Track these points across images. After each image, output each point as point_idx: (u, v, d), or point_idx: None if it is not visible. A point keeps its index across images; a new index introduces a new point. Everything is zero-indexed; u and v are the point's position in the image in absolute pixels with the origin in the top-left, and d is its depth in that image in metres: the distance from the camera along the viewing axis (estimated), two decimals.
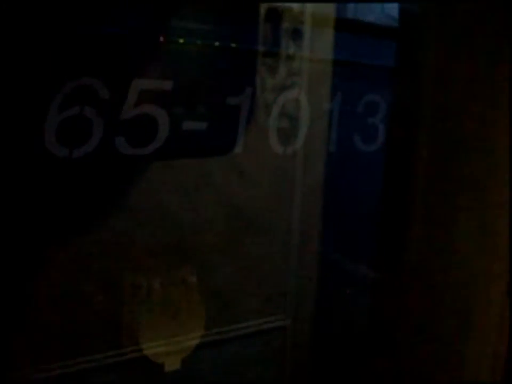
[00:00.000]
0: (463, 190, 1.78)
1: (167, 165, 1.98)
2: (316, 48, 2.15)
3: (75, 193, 1.90)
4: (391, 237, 2.13)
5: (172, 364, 2.03)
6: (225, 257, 2.08)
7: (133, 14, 1.90)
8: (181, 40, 1.94)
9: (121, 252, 1.97)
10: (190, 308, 2.02)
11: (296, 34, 2.08)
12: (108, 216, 1.95)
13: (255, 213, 2.11)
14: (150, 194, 1.98)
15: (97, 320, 1.95)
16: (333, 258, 2.36)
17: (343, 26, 2.27)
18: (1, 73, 1.76)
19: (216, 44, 1.97)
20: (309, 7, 2.10)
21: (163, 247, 1.99)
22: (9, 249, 1.81)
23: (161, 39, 1.93)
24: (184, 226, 2.01)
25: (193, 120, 1.98)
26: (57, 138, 1.87)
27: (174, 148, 1.97)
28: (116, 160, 1.93)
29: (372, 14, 2.46)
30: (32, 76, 1.81)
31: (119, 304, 1.96)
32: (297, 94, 2.12)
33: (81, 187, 1.91)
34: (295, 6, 2.06)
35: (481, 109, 1.79)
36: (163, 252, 1.99)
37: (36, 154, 1.85)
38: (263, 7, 2.00)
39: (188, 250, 2.02)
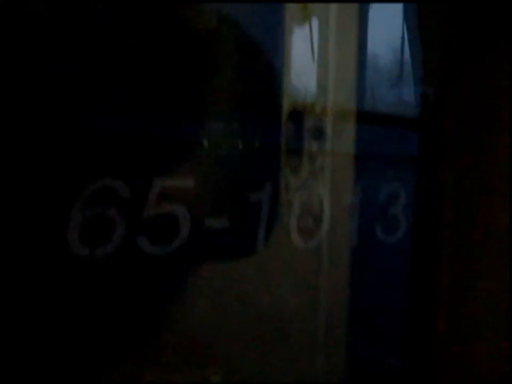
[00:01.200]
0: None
1: (189, 264, 1.97)
2: (338, 143, 2.17)
3: (96, 293, 1.89)
4: (418, 331, 2.09)
5: None
6: (249, 362, 2.04)
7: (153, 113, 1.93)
8: (203, 139, 1.97)
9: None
10: None
11: (318, 132, 2.10)
12: (130, 315, 1.93)
13: (279, 315, 2.07)
14: (172, 294, 1.96)
15: None
16: (360, 353, 2.31)
17: (364, 119, 2.29)
18: (24, 175, 1.79)
19: (239, 142, 1.98)
20: (331, 104, 2.13)
21: (187, 350, 1.96)
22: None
23: (183, 137, 1.96)
24: (206, 330, 1.98)
25: (215, 218, 1.98)
26: (80, 238, 1.88)
27: (196, 246, 1.96)
28: (138, 259, 1.92)
29: (390, 102, 2.49)
30: (56, 177, 1.83)
31: None
32: (319, 190, 2.13)
33: (103, 287, 1.90)
34: (317, 104, 2.09)
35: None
36: (186, 354, 1.96)
37: (59, 255, 1.85)
38: (286, 107, 2.03)
39: (211, 354, 1.98)
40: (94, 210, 1.88)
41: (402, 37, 2.72)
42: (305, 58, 2.15)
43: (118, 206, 1.90)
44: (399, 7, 2.70)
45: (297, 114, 2.06)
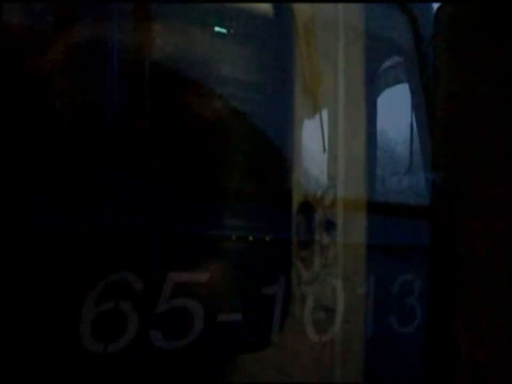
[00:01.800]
0: None
1: (202, 359, 1.95)
2: (349, 234, 2.18)
3: None
4: None
5: None
6: None
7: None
8: (215, 233, 1.98)
9: None
10: None
11: (329, 224, 2.11)
12: None
13: None
14: None
15: None
16: None
17: (375, 209, 2.30)
18: (40, 267, 1.81)
19: (251, 236, 2.00)
20: (341, 195, 2.15)
21: None
22: None
23: (196, 232, 1.98)
24: None
25: (228, 312, 1.97)
26: (92, 333, 1.87)
27: (209, 341, 1.95)
28: (151, 354, 1.91)
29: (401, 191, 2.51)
30: (69, 274, 1.84)
31: None
32: (332, 283, 2.12)
33: (116, 382, 1.88)
34: (327, 196, 2.11)
35: None
36: None
37: (72, 352, 1.84)
38: (296, 200, 2.05)
39: None
40: (107, 304, 1.88)
41: (411, 124, 2.77)
42: (315, 150, 2.19)
43: (131, 300, 1.90)
44: (407, 96, 2.77)
45: (308, 207, 2.08)
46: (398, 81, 3.00)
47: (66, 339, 1.84)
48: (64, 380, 1.84)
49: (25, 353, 1.79)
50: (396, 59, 2.80)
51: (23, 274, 1.78)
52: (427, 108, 2.73)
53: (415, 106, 2.78)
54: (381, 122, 2.63)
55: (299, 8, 2.20)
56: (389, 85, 3.06)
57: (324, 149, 2.19)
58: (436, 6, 1.67)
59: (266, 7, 2.20)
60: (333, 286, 2.13)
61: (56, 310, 1.84)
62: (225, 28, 2.10)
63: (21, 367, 1.79)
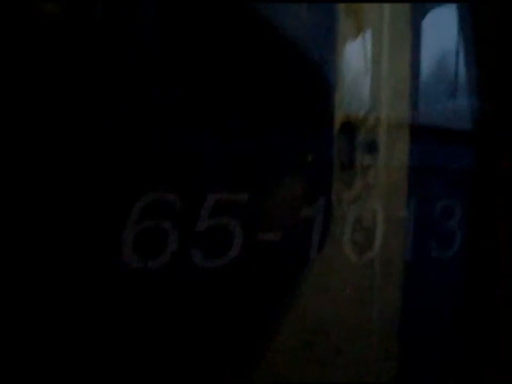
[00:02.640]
0: None
1: (241, 278, 1.97)
2: (391, 157, 2.14)
3: (150, 305, 1.91)
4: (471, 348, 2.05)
5: None
6: (303, 377, 2.02)
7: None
8: (256, 153, 1.97)
9: None
10: None
11: (372, 145, 2.08)
12: (180, 328, 1.94)
13: (333, 329, 2.05)
14: (222, 306, 1.96)
15: None
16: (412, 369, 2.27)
17: (418, 131, 2.26)
18: (82, 188, 1.82)
19: (292, 156, 1.98)
20: (384, 116, 2.10)
21: (236, 362, 1.96)
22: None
23: (237, 151, 1.96)
24: (257, 343, 1.98)
25: (267, 231, 1.97)
26: (134, 249, 1.90)
27: (249, 259, 1.96)
28: (191, 271, 1.93)
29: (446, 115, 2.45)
30: (112, 189, 1.86)
31: None
32: (372, 204, 2.10)
33: (155, 299, 1.91)
34: (370, 117, 2.07)
35: None
36: (236, 365, 1.96)
37: (113, 266, 1.88)
38: (338, 120, 2.02)
39: (261, 370, 1.98)
40: (148, 222, 1.90)
41: (458, 47, 2.68)
42: (358, 70, 2.14)
43: (172, 218, 1.91)
44: (454, 14, 2.67)
45: (350, 127, 2.05)
46: (444, 1, 2.89)
47: (108, 254, 1.87)
48: (107, 294, 1.88)
49: (65, 265, 1.83)
50: None
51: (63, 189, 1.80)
52: (474, 31, 2.63)
53: (462, 29, 2.68)
54: (427, 44, 2.55)
55: None
56: (435, 6, 2.95)
57: (367, 69, 2.14)
58: None
59: None
60: (373, 207, 2.12)
61: (98, 225, 1.86)
62: None
63: (62, 280, 1.84)
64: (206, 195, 1.93)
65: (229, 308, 1.98)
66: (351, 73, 2.13)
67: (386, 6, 2.29)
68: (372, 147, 2.07)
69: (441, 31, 2.88)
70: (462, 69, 2.67)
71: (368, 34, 2.22)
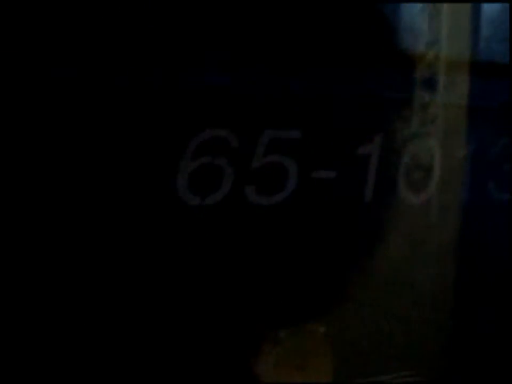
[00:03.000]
0: None
1: (295, 216, 1.96)
2: (450, 94, 2.09)
3: (205, 242, 1.93)
4: None
5: None
6: (362, 308, 2.02)
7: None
8: (311, 89, 1.94)
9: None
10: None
11: (430, 82, 2.03)
12: (242, 264, 1.95)
13: (389, 267, 2.04)
14: (276, 244, 1.96)
15: None
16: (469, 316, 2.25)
17: (478, 68, 2.20)
18: (138, 124, 1.83)
19: (347, 93, 1.95)
20: (443, 52, 2.05)
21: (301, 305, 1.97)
22: None
23: (292, 88, 1.94)
24: (316, 287, 1.98)
25: (322, 169, 1.96)
26: (189, 186, 1.91)
27: (303, 197, 1.96)
28: (245, 209, 1.94)
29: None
30: (168, 126, 1.86)
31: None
32: (430, 143, 2.06)
33: (211, 236, 1.93)
34: (430, 53, 2.02)
35: None
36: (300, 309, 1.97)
37: (169, 203, 1.89)
38: (397, 56, 1.97)
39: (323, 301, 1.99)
40: (204, 159, 1.91)
41: None
42: (418, 4, 2.08)
43: (227, 156, 1.91)
44: None
45: (409, 63, 2.00)
46: None
47: (164, 191, 1.89)
48: (165, 230, 1.90)
49: (123, 207, 1.86)
50: None
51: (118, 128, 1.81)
52: None
53: None
54: None
55: None
56: None
57: (428, 4, 2.08)
58: None
59: None
60: (431, 146, 2.07)
61: (154, 163, 1.88)
62: None
63: (120, 221, 1.86)
64: (261, 132, 1.92)
65: (282, 247, 1.98)
66: (410, 8, 2.07)
67: None
68: (430, 84, 2.03)
69: None
70: None
71: None
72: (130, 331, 1.87)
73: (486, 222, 2.28)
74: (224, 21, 1.87)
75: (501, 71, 2.25)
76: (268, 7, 1.91)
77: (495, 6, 2.41)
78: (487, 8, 2.33)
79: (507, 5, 2.39)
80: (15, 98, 1.67)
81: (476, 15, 2.25)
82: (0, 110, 1.65)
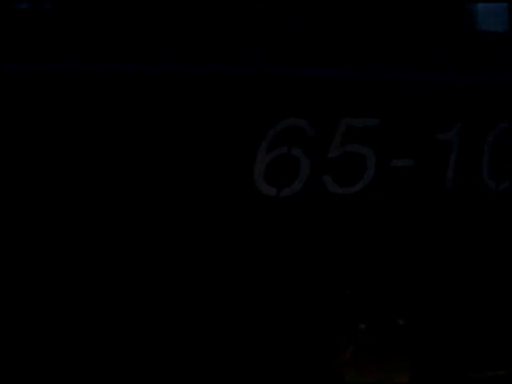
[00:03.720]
0: None
1: (375, 205, 1.93)
2: None
3: (283, 233, 1.91)
4: None
5: None
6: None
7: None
8: (389, 77, 1.91)
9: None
10: None
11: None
12: (317, 254, 1.93)
13: (471, 254, 1.98)
14: (357, 234, 1.93)
15: None
16: None
17: None
18: (214, 118, 1.84)
19: (424, 79, 1.90)
20: None
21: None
22: None
23: (369, 76, 1.91)
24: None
25: (401, 157, 1.91)
26: (266, 177, 1.90)
27: (383, 186, 1.92)
28: (324, 198, 1.91)
29: None
30: (243, 118, 1.86)
31: None
32: (510, 127, 1.99)
33: (289, 227, 1.91)
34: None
35: None
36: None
37: (246, 194, 1.89)
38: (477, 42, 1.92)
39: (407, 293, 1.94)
40: (280, 150, 1.89)
41: None
42: None
43: (304, 145, 1.89)
44: None
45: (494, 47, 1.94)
46: None
47: (241, 183, 1.88)
48: (241, 222, 1.89)
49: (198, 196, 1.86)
50: None
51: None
52: None
53: None
54: None
55: None
56: None
57: None
58: None
59: None
60: (510, 129, 2.00)
61: (231, 154, 1.87)
62: None
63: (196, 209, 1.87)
64: (338, 121, 1.89)
65: (362, 236, 1.94)
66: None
67: None
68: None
69: None
70: None
71: None
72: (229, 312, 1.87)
73: None
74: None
75: None
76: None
77: None
78: None
79: None
80: None
81: None
82: None
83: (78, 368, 1.86)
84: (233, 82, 1.85)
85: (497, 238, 1.98)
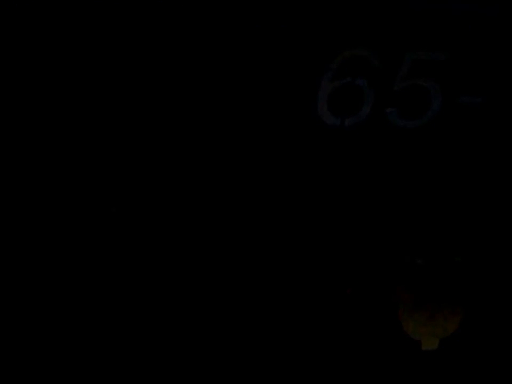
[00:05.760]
0: None
1: (438, 140, 1.89)
2: None
3: (345, 165, 1.88)
4: None
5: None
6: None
7: None
8: (456, 10, 1.85)
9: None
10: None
11: None
12: (377, 190, 1.90)
13: None
14: (418, 170, 1.90)
15: None
16: None
17: None
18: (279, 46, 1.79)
19: (497, 14, 1.85)
20: None
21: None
22: None
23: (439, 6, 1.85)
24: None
25: (469, 94, 1.87)
26: (329, 107, 1.86)
27: (448, 122, 1.88)
28: (387, 131, 1.87)
29: None
30: (309, 43, 1.81)
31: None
32: None
33: (352, 159, 1.88)
34: None
35: None
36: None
37: (309, 122, 1.85)
38: None
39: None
40: (345, 80, 1.84)
41: None
42: None
43: (369, 76, 1.85)
44: None
45: None
46: None
47: (304, 112, 1.84)
48: (305, 152, 1.86)
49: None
50: None
51: None
52: None
53: None
54: None
55: None
56: None
57: None
58: None
59: None
60: None
61: (291, 85, 1.83)
62: None
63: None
64: (404, 53, 1.84)
65: (424, 173, 1.91)
66: None
67: None
68: None
69: None
70: None
71: None
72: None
73: None
74: None
75: None
76: None
77: None
78: None
79: None
80: None
81: None
82: None
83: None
84: (300, 10, 1.80)
85: None
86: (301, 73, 1.85)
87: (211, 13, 1.82)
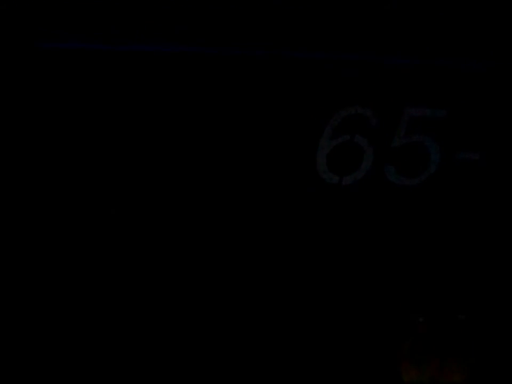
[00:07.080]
0: None
1: (438, 198, 1.89)
2: None
3: (344, 221, 1.88)
4: None
5: None
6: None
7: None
8: (452, 66, 1.86)
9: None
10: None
11: None
12: (374, 245, 1.90)
13: None
14: (417, 226, 1.89)
15: None
16: None
17: None
18: (278, 104, 1.82)
19: (492, 64, 1.86)
20: None
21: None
22: None
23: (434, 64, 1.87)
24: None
25: (467, 150, 1.87)
26: (328, 165, 1.87)
27: (446, 179, 1.88)
28: (385, 189, 1.87)
29: None
30: (306, 104, 1.83)
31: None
32: None
33: (350, 215, 1.88)
34: None
35: None
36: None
37: (308, 181, 1.86)
38: None
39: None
40: (343, 138, 1.86)
41: None
42: None
43: (367, 134, 1.86)
44: None
45: None
46: None
47: (303, 170, 1.86)
48: (303, 209, 1.87)
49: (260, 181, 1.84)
50: None
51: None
52: None
53: None
54: None
55: None
56: None
57: None
58: None
59: None
60: None
61: (289, 141, 1.85)
62: None
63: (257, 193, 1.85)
64: (403, 110, 1.85)
65: (423, 230, 1.91)
66: None
67: None
68: None
69: None
70: None
71: None
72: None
73: None
74: None
75: None
76: None
77: None
78: None
79: None
80: None
81: None
82: None
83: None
84: (299, 68, 1.83)
85: None
86: (300, 131, 1.86)
87: (214, 74, 1.85)
